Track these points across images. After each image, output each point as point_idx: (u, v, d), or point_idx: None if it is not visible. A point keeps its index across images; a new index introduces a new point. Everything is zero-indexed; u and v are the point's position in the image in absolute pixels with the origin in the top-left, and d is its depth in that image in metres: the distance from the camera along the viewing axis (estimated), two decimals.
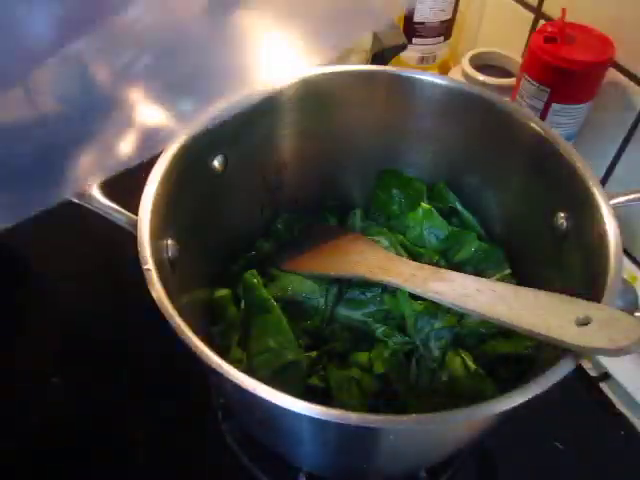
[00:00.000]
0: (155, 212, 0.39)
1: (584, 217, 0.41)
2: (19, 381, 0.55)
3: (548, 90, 0.58)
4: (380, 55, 0.63)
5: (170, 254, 0.40)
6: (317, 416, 0.30)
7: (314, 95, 0.50)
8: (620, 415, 0.54)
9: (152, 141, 0.18)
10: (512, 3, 0.71)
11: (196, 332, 0.33)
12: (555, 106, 0.59)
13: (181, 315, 0.33)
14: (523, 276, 0.50)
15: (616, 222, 0.39)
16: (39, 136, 0.16)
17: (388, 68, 0.54)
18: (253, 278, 0.48)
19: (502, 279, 0.50)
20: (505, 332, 0.48)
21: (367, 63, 0.51)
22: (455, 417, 0.30)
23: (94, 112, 0.17)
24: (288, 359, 0.44)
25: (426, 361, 0.48)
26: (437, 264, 0.51)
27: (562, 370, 0.32)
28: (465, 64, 0.72)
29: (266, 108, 0.49)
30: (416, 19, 0.74)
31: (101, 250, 0.65)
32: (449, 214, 0.55)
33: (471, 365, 0.47)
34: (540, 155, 0.45)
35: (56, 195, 0.16)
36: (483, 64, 0.73)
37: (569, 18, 0.57)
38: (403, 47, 0.65)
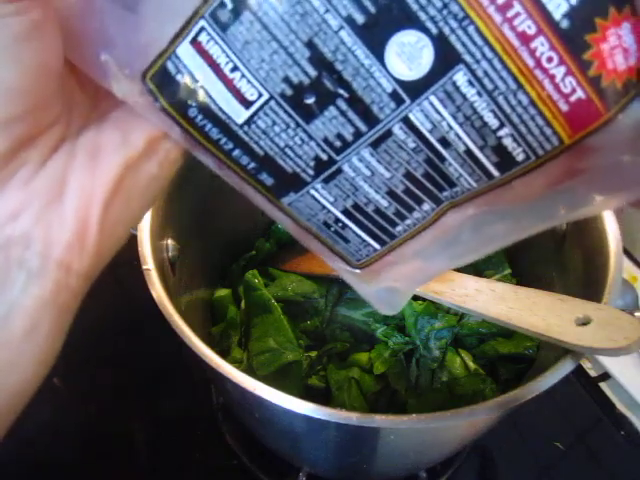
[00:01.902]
0: (155, 212, 0.39)
1: (584, 217, 0.41)
2: None
3: None
4: None
5: (170, 254, 0.40)
6: (317, 416, 0.30)
7: None
8: (620, 415, 0.54)
9: None
10: None
11: (196, 332, 0.33)
12: None
13: (181, 315, 0.33)
14: (523, 276, 0.51)
15: (616, 222, 0.39)
16: None
17: None
18: (254, 278, 0.48)
19: (502, 279, 0.50)
20: (505, 332, 0.48)
21: None
22: (455, 417, 0.30)
23: None
24: (288, 359, 0.44)
25: (426, 361, 0.48)
26: None
27: (562, 370, 0.32)
28: None
29: None
30: None
31: None
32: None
33: (471, 365, 0.47)
34: None
35: None
36: None
37: None
38: None
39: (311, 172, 0.22)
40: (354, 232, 0.24)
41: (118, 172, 0.20)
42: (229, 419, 0.52)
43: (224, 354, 0.47)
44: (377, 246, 0.24)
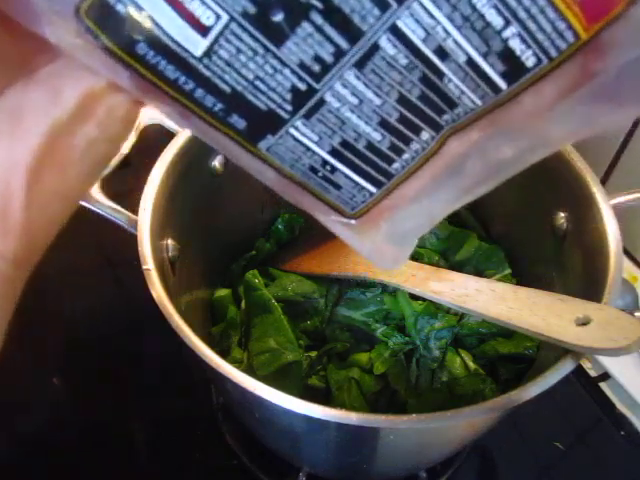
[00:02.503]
0: (155, 212, 0.39)
1: (584, 217, 0.41)
2: (19, 381, 0.55)
3: None
4: None
5: (170, 254, 0.40)
6: (317, 416, 0.30)
7: None
8: (620, 415, 0.54)
9: None
10: None
11: (196, 332, 0.33)
12: None
13: (181, 315, 0.33)
14: (523, 276, 0.50)
15: (616, 222, 0.39)
16: None
17: None
18: (254, 278, 0.48)
19: (502, 279, 0.50)
20: (505, 332, 0.48)
21: None
22: (455, 417, 0.30)
23: None
24: (288, 359, 0.44)
25: (426, 361, 0.48)
26: (437, 264, 0.51)
27: (562, 370, 0.32)
28: None
29: None
30: None
31: (101, 250, 0.65)
32: (449, 214, 0.55)
33: (471, 365, 0.47)
34: None
35: None
36: None
37: None
38: None
39: (288, 107, 0.18)
40: (345, 175, 0.21)
41: (45, 137, 0.17)
42: (229, 419, 0.52)
43: (224, 354, 0.47)
44: (373, 189, 0.21)
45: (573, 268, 0.42)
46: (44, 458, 0.50)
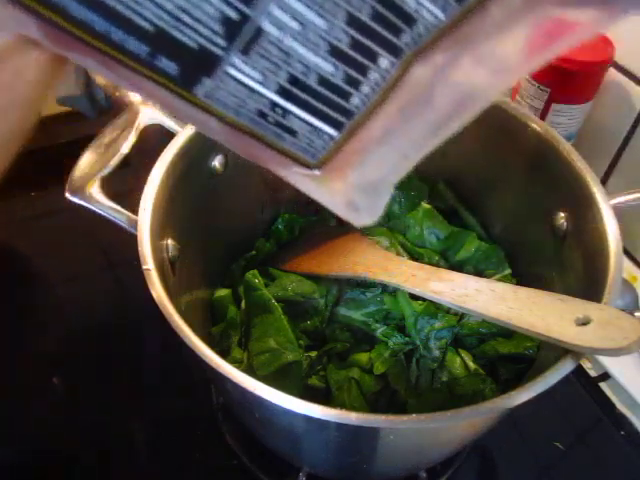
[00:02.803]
0: (155, 212, 0.39)
1: (584, 217, 0.41)
2: (19, 381, 0.55)
3: (548, 90, 0.58)
4: None
5: (170, 254, 0.40)
6: (317, 416, 0.30)
7: None
8: (620, 415, 0.54)
9: None
10: None
11: (196, 332, 0.33)
12: (555, 106, 0.59)
13: (181, 315, 0.33)
14: (523, 276, 0.50)
15: (616, 222, 0.39)
16: None
17: None
18: (255, 278, 0.48)
19: (502, 279, 0.50)
20: (505, 332, 0.48)
21: None
22: (455, 417, 0.30)
23: None
24: (288, 359, 0.44)
25: (426, 361, 0.48)
26: (437, 264, 0.51)
27: (562, 370, 0.32)
28: None
29: None
30: None
31: (101, 250, 0.65)
32: (449, 214, 0.55)
33: (471, 365, 0.47)
34: (540, 155, 0.46)
35: None
36: None
37: None
38: None
39: (221, 41, 0.16)
40: (299, 118, 0.18)
41: None
42: (229, 419, 0.52)
43: (224, 354, 0.47)
44: (332, 131, 0.18)
45: (573, 268, 0.42)
46: (44, 458, 0.51)
